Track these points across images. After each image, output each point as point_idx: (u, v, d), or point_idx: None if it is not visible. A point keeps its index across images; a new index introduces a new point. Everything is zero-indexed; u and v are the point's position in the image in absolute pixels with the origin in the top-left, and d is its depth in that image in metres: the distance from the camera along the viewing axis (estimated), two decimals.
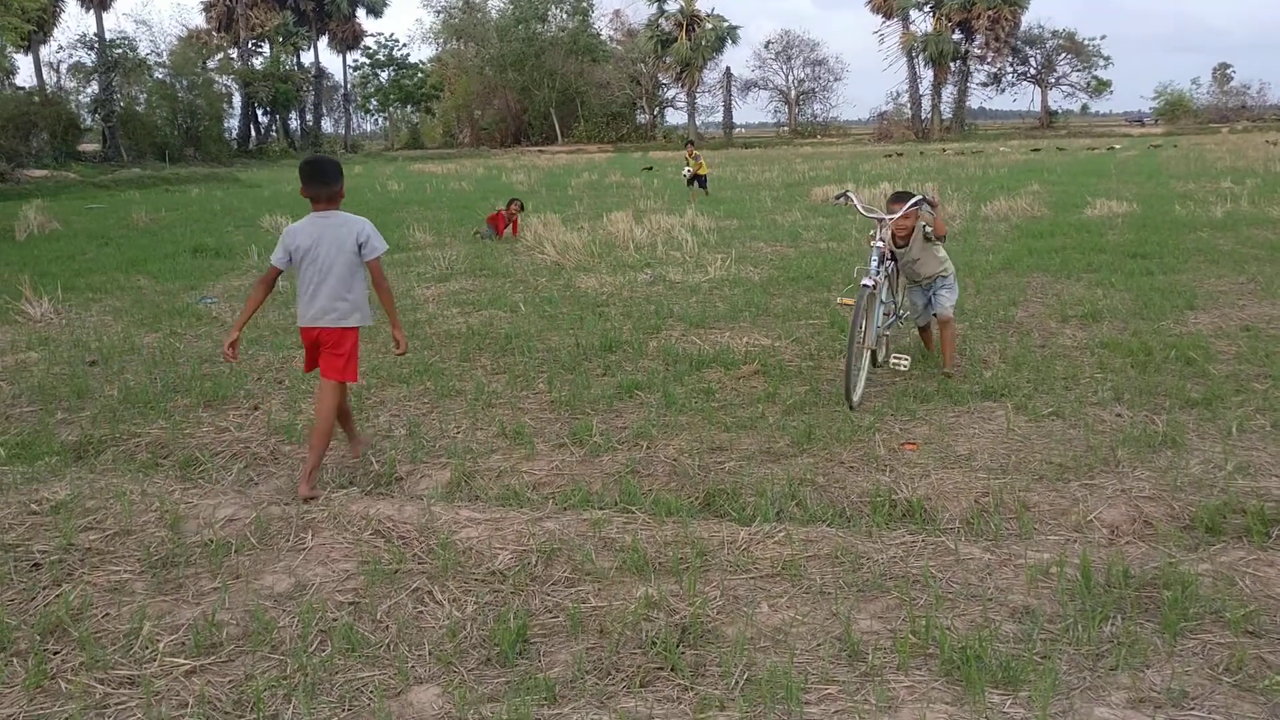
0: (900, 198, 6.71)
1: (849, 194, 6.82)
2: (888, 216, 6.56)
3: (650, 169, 38.16)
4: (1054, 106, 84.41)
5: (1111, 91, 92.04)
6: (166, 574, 4.11)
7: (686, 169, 24.23)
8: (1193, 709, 3.01)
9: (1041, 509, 4.59)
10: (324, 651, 3.47)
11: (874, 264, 6.40)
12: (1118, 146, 46.27)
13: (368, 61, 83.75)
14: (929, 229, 6.75)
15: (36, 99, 52.14)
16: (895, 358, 6.63)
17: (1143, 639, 3.39)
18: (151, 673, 3.36)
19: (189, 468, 5.48)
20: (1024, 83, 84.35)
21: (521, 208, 17.25)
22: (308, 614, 3.72)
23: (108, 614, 3.78)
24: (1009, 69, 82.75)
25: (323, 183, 5.11)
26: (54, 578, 4.08)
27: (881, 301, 6.59)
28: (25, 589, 3.99)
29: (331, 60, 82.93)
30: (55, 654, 3.49)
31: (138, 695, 3.22)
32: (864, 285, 6.27)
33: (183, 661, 3.42)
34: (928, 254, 6.87)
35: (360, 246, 5.06)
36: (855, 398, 6.18)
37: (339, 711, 3.12)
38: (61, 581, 4.05)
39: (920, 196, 6.64)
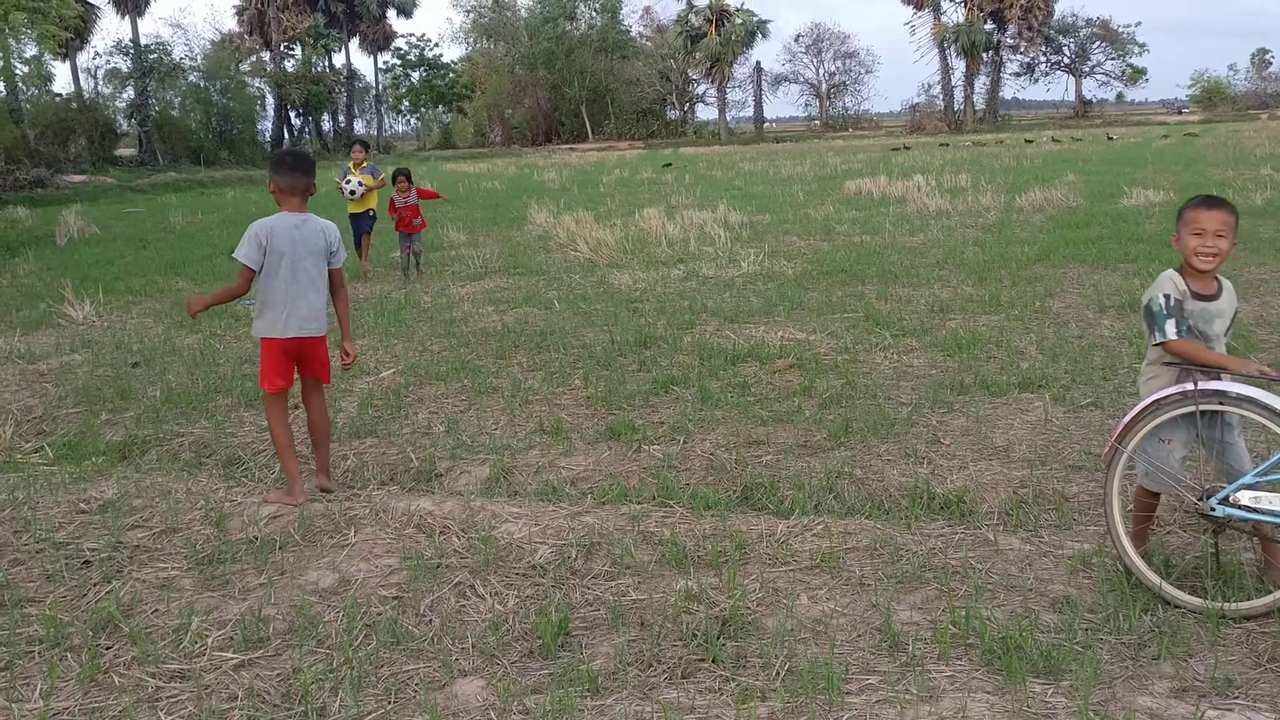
0: (1213, 202, 3.75)
1: None
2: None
3: (668, 165, 37.99)
4: (1089, 95, 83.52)
5: (1147, 79, 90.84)
6: (213, 570, 4.18)
7: (351, 180, 13.12)
8: (1238, 697, 3.00)
9: (1080, 499, 4.58)
10: (369, 645, 3.52)
11: None
12: (1114, 137, 45.57)
13: (399, 62, 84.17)
14: None
15: (74, 105, 52.73)
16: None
17: (1185, 628, 3.37)
18: (201, 667, 3.42)
19: (232, 466, 5.56)
20: (1058, 72, 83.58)
21: (409, 179, 12.71)
22: (352, 609, 3.77)
23: (157, 610, 3.86)
24: (1042, 59, 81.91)
25: (306, 173, 4.89)
26: (104, 575, 4.16)
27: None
28: (76, 586, 4.07)
29: (363, 62, 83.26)
30: (107, 649, 3.56)
31: (188, 689, 3.29)
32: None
33: (231, 656, 3.49)
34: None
35: (331, 254, 4.92)
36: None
37: (385, 704, 3.17)
38: (111, 578, 4.13)
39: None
